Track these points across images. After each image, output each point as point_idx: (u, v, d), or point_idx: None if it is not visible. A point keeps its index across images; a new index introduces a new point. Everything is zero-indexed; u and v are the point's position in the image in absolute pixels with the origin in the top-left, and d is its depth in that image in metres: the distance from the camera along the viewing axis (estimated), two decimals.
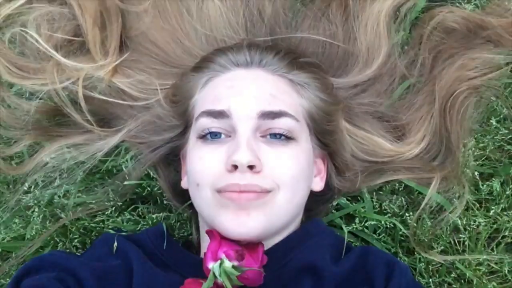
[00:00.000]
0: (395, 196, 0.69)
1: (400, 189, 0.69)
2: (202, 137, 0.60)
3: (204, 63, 0.66)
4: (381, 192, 0.70)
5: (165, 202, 0.72)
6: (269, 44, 0.71)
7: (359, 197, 0.70)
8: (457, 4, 0.75)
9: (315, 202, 0.68)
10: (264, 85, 0.61)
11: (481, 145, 0.70)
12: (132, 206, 0.72)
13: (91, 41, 0.74)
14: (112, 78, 0.73)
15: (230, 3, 0.76)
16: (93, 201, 0.71)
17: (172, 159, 0.70)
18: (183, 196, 0.67)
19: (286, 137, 0.59)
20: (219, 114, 0.59)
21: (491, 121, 0.71)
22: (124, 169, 0.71)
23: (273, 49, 0.65)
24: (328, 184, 0.68)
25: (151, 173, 0.71)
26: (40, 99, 0.73)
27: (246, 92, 0.60)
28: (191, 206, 0.64)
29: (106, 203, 0.71)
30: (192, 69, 0.67)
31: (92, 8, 0.74)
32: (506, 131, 0.70)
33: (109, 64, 0.73)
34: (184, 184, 0.66)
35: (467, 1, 0.75)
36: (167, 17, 0.76)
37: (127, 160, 0.71)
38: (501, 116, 0.71)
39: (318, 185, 0.66)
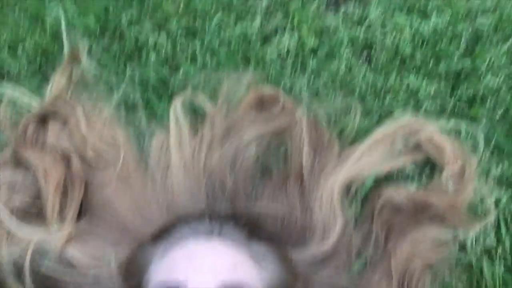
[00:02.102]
0: None
1: None
2: None
3: (162, 233, 0.62)
4: None
5: None
6: (229, 215, 0.70)
7: None
8: (402, 183, 0.79)
9: None
10: (225, 255, 0.58)
11: None
12: None
13: (49, 207, 0.70)
14: (64, 246, 0.68)
15: (193, 174, 0.77)
16: None
17: None
18: None
19: None
20: (175, 287, 0.54)
21: None
22: None
23: (233, 219, 0.63)
24: None
25: None
26: None
27: (205, 263, 0.56)
28: None
29: None
30: (149, 239, 0.63)
31: (57, 175, 0.73)
32: None
33: (64, 232, 0.68)
34: None
35: (410, 180, 0.80)
36: (131, 187, 0.75)
37: None
38: None
39: None
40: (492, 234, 0.74)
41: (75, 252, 0.67)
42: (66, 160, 0.76)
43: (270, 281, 0.60)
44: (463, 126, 0.85)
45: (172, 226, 0.63)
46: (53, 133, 0.79)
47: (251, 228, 0.63)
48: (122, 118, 0.84)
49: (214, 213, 0.65)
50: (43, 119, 0.81)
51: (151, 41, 0.93)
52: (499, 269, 0.70)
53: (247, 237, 0.62)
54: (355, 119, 0.86)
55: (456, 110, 0.90)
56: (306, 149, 0.81)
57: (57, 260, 0.67)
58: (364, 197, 0.78)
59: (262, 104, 0.88)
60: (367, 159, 0.80)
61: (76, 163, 0.75)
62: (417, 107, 0.89)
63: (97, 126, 0.79)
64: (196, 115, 0.86)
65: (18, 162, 0.76)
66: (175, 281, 0.54)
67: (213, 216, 0.63)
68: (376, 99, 0.89)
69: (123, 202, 0.73)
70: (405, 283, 0.68)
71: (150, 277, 0.59)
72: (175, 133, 0.81)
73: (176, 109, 0.84)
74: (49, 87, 0.85)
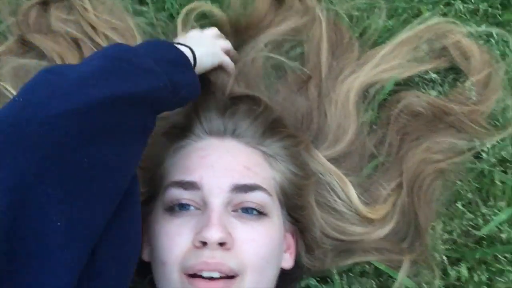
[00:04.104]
0: (364, 278, 0.64)
1: (370, 272, 0.64)
2: (170, 208, 0.54)
3: (175, 129, 0.61)
4: (351, 274, 0.64)
5: None
6: (244, 108, 0.62)
7: (328, 279, 0.64)
8: (422, 90, 0.75)
9: (283, 280, 0.60)
10: (238, 157, 0.56)
11: (448, 228, 0.66)
12: None
13: None
14: None
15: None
16: None
17: None
18: (144, 269, 0.58)
19: (258, 212, 0.54)
20: (190, 186, 0.53)
21: (457, 205, 0.68)
22: None
23: (248, 116, 0.60)
24: (296, 261, 0.61)
25: None
26: None
27: (219, 164, 0.55)
28: (152, 281, 0.56)
29: None
30: (162, 134, 0.61)
31: (73, 59, 0.69)
32: (472, 215, 0.67)
33: None
34: (145, 256, 0.58)
35: (431, 87, 0.75)
36: None
37: None
38: (466, 201, 0.68)
39: (288, 262, 0.60)
40: (510, 146, 0.71)
41: None
42: (77, 46, 0.71)
43: (282, 182, 0.59)
44: (494, 31, 0.79)
45: (185, 123, 0.60)
46: (58, 19, 0.73)
47: (266, 127, 0.60)
48: (129, 9, 0.78)
49: (228, 110, 0.61)
50: (45, 5, 0.75)
51: None
52: None
53: (261, 137, 0.60)
54: (379, 19, 0.79)
55: (488, 14, 0.82)
56: (324, 50, 0.76)
57: None
58: (382, 101, 0.74)
59: (278, 2, 0.81)
60: (389, 62, 0.74)
61: (88, 49, 0.71)
62: (447, 8, 0.82)
63: (104, 13, 0.73)
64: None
65: (25, 48, 0.72)
66: (190, 180, 0.54)
67: (227, 114, 0.60)
68: None
69: None
70: (415, 187, 0.67)
71: (164, 173, 0.58)
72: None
73: (183, 22, 0.76)
74: None
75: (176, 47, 0.55)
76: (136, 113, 0.45)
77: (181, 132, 0.60)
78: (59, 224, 0.38)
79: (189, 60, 0.56)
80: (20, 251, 0.37)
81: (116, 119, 0.42)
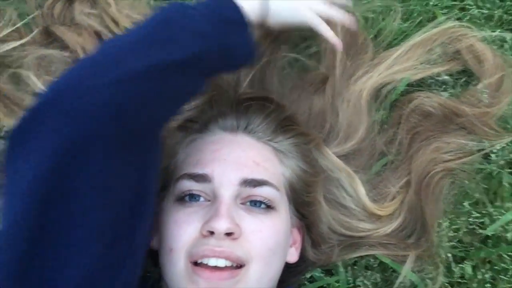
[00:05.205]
0: (369, 272, 0.65)
1: (375, 265, 0.65)
2: (180, 199, 0.55)
3: (189, 123, 0.62)
4: (355, 267, 0.65)
5: None
6: (257, 105, 0.63)
7: (333, 271, 0.65)
8: (434, 91, 0.76)
9: (288, 273, 0.61)
10: (249, 152, 0.57)
11: (454, 227, 0.67)
12: None
13: None
14: None
15: None
16: None
17: None
18: (153, 257, 0.59)
19: (266, 206, 0.55)
20: (201, 178, 0.55)
21: (464, 204, 0.68)
22: None
23: (261, 113, 0.61)
24: (302, 255, 0.62)
25: None
26: None
27: (230, 158, 0.56)
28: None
29: None
30: (177, 127, 0.63)
31: None
32: (478, 214, 0.68)
33: None
34: (154, 244, 0.59)
35: (443, 89, 0.76)
36: None
37: None
38: (473, 200, 0.69)
39: (293, 256, 0.61)
40: None
41: None
42: (99, 38, 0.74)
43: (291, 178, 0.60)
44: (508, 37, 0.80)
45: (198, 118, 0.62)
46: (82, 13, 0.77)
47: (277, 124, 0.62)
48: (151, 4, 0.81)
49: (241, 106, 0.62)
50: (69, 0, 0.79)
51: None
52: None
53: (272, 133, 0.61)
54: (394, 22, 0.80)
55: (503, 20, 0.83)
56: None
57: None
58: (394, 101, 0.75)
59: None
60: (402, 63, 0.75)
61: None
62: (462, 13, 0.82)
63: (125, 8, 0.77)
64: None
65: (49, 39, 0.75)
66: (202, 173, 0.55)
67: (240, 110, 0.61)
68: (419, 1, 0.82)
69: None
70: (423, 186, 0.68)
71: (177, 165, 0.59)
72: None
73: None
74: None
75: (235, 3, 0.51)
76: (183, 79, 0.45)
77: (195, 126, 0.61)
78: (92, 192, 0.41)
79: (244, 20, 0.51)
80: (52, 218, 0.40)
81: (160, 86, 0.43)
